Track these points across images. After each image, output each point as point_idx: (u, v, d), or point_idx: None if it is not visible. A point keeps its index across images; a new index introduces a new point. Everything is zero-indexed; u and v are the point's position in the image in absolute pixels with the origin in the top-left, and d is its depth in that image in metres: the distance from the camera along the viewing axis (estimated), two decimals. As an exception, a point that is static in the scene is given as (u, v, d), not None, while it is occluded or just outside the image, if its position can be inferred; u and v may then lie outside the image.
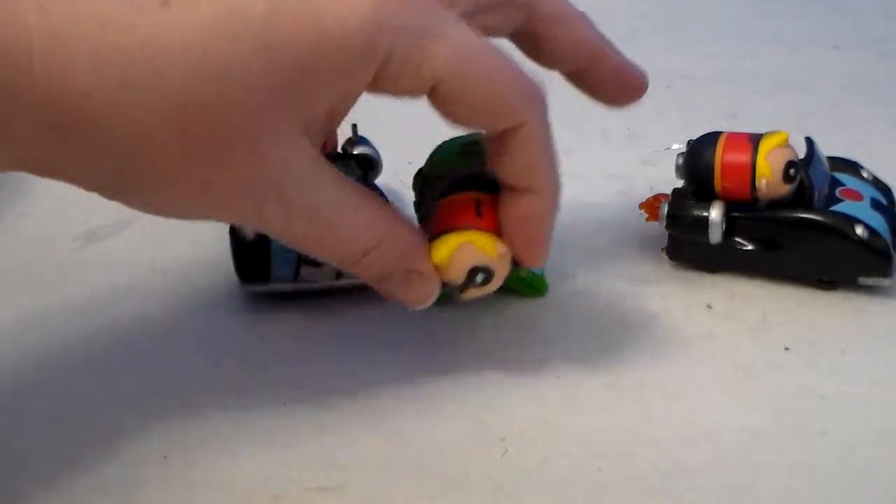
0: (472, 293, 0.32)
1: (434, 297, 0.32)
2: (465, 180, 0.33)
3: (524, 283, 0.40)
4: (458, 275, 0.32)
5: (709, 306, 0.40)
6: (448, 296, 0.33)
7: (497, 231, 0.32)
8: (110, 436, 0.33)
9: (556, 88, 0.60)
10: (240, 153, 0.26)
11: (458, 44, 0.27)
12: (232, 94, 0.25)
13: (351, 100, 0.29)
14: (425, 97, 0.29)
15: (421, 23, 0.27)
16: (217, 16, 0.25)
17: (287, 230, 0.28)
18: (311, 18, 0.25)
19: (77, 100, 0.24)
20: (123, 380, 0.36)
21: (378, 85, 0.28)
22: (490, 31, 0.31)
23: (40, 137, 0.25)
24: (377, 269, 0.30)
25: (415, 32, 0.27)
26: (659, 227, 0.42)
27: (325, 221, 0.28)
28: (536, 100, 0.30)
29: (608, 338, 0.38)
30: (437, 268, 0.31)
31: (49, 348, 0.37)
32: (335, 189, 0.28)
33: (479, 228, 0.32)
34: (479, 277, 0.31)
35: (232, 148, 0.26)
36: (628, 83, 0.36)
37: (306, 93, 0.26)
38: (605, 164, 0.51)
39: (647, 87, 0.35)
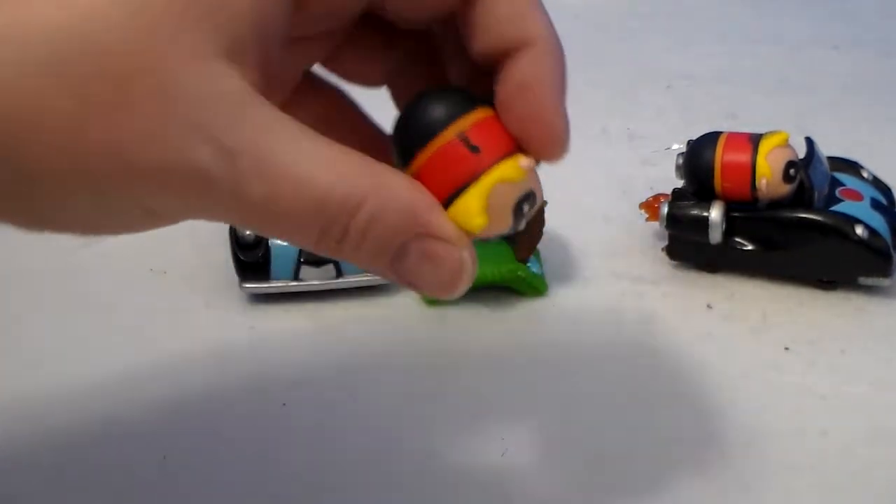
0: (524, 223, 0.25)
1: (471, 274, 0.24)
2: (428, 118, 0.24)
3: (524, 283, 0.40)
4: (504, 223, 0.24)
5: (709, 306, 0.40)
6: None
7: (504, 151, 0.24)
8: (110, 435, 0.33)
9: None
10: (143, 92, 0.21)
11: None
12: (117, 22, 0.20)
13: (283, 6, 0.23)
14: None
15: None
16: None
17: (237, 188, 0.21)
18: None
19: None
20: (123, 379, 0.36)
21: None
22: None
23: None
24: (376, 240, 0.23)
25: None
26: (659, 227, 0.42)
27: (282, 171, 0.21)
28: None
29: (608, 338, 0.38)
30: (472, 230, 0.23)
31: (49, 348, 0.37)
32: (289, 130, 0.22)
33: (486, 167, 0.23)
34: (525, 207, 0.24)
35: (132, 89, 0.21)
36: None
37: (216, 10, 0.21)
38: (605, 164, 0.51)
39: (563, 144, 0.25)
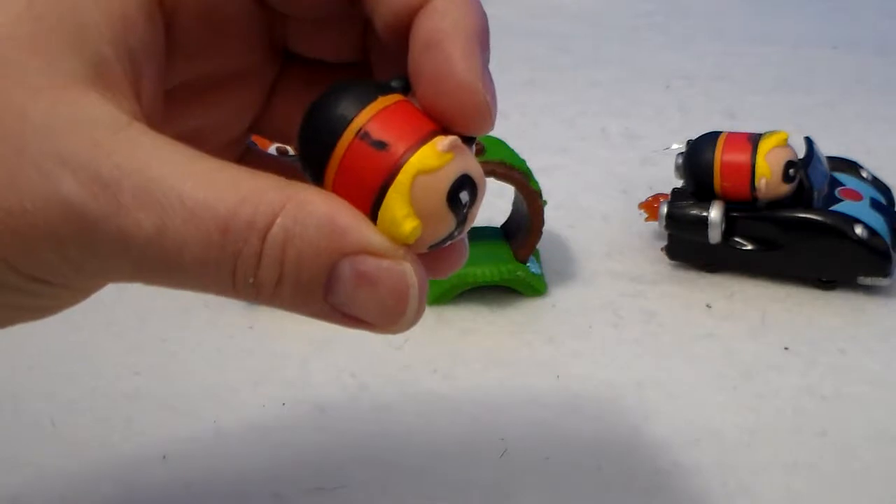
0: (474, 216, 0.20)
1: (420, 292, 0.19)
2: (324, 119, 0.20)
3: (524, 283, 0.40)
4: (443, 221, 0.19)
5: (708, 306, 0.40)
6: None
7: (417, 137, 0.19)
8: (109, 435, 0.33)
9: (556, 88, 0.61)
10: None
11: None
12: None
13: (140, 22, 0.20)
14: None
15: None
16: None
17: (124, 228, 0.18)
18: None
19: None
20: (122, 379, 0.36)
21: None
22: None
23: None
24: (298, 267, 0.18)
25: None
26: (658, 227, 0.42)
27: (172, 196, 0.18)
28: None
29: (608, 338, 0.38)
30: (405, 239, 0.19)
31: (48, 349, 0.37)
32: (178, 154, 0.18)
33: (397, 162, 0.19)
34: (464, 195, 0.19)
35: None
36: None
37: (72, 29, 0.19)
38: (605, 164, 0.51)
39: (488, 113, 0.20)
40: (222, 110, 0.23)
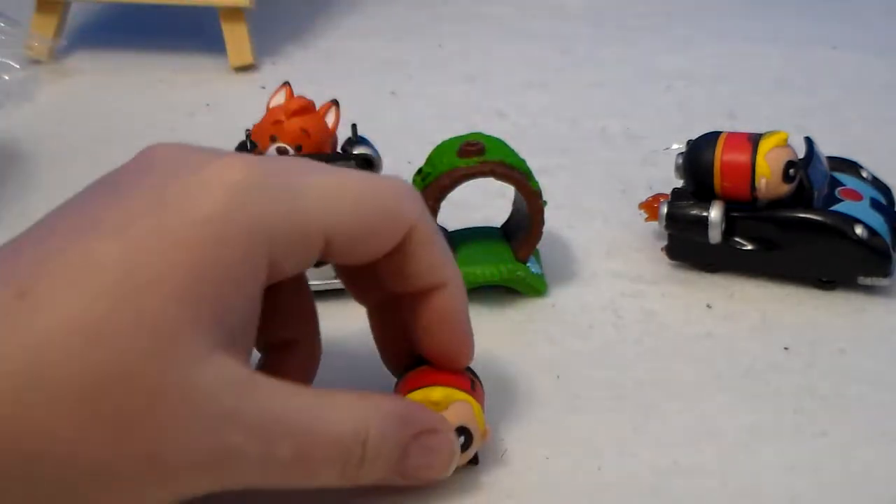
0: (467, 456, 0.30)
1: (457, 450, 0.29)
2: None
3: (524, 283, 0.40)
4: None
5: (708, 306, 0.40)
6: None
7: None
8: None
9: (556, 88, 0.61)
10: (169, 398, 0.23)
11: (326, 187, 0.27)
12: (133, 342, 0.23)
13: (253, 303, 0.26)
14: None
15: (283, 188, 0.26)
16: (81, 287, 0.23)
17: (267, 458, 0.25)
18: (172, 242, 0.24)
19: None
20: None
21: (275, 267, 0.26)
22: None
23: None
24: (387, 455, 0.27)
25: (283, 200, 0.25)
26: (658, 227, 0.42)
27: (303, 426, 0.25)
28: (415, 197, 0.29)
29: (608, 338, 0.38)
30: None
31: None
32: (292, 391, 0.26)
33: (475, 398, 0.30)
34: (461, 440, 0.29)
35: (158, 398, 0.23)
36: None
37: (209, 311, 0.24)
38: (605, 164, 0.51)
39: (470, 356, 0.31)
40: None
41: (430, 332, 0.30)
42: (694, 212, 0.40)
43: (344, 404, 0.27)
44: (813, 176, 0.39)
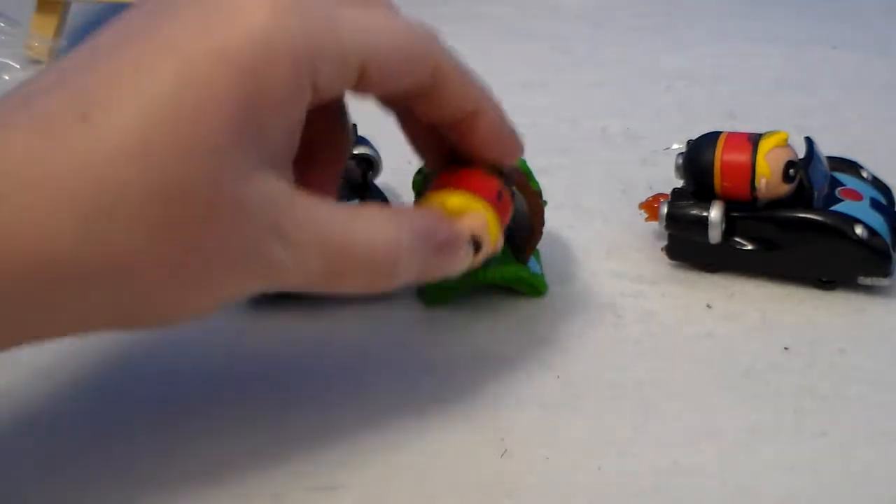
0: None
1: (469, 257, 0.32)
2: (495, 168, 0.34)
3: (524, 283, 0.40)
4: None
5: (708, 306, 0.40)
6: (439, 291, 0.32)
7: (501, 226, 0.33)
8: (109, 435, 0.33)
9: (556, 88, 0.61)
10: (223, 210, 0.25)
11: (360, 20, 0.28)
12: (192, 158, 0.25)
13: (299, 123, 0.28)
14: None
15: (321, 17, 0.27)
16: (140, 107, 0.24)
17: (301, 269, 0.27)
18: (224, 62, 0.25)
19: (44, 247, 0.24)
20: (121, 380, 0.36)
21: (316, 90, 0.27)
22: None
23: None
24: (411, 268, 0.30)
25: (322, 27, 0.27)
26: (658, 227, 0.42)
27: (337, 242, 0.28)
28: (436, 37, 0.30)
29: (608, 338, 0.38)
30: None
31: (46, 349, 0.37)
32: (328, 209, 0.28)
33: (495, 210, 0.32)
34: (470, 247, 0.32)
35: (216, 211, 0.25)
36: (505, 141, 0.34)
37: (258, 129, 0.26)
38: (605, 164, 0.51)
39: (521, 151, 0.34)
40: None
41: (478, 150, 0.32)
42: (694, 212, 0.40)
43: (375, 225, 0.29)
44: (813, 176, 0.39)
